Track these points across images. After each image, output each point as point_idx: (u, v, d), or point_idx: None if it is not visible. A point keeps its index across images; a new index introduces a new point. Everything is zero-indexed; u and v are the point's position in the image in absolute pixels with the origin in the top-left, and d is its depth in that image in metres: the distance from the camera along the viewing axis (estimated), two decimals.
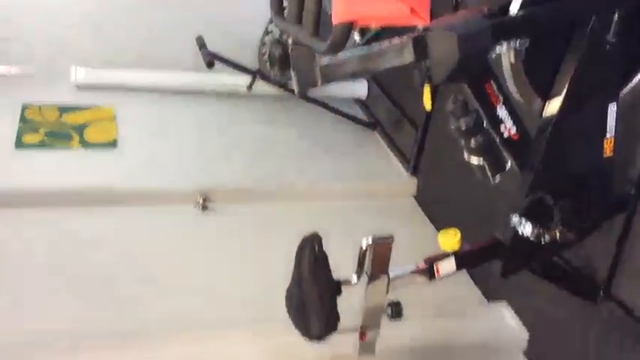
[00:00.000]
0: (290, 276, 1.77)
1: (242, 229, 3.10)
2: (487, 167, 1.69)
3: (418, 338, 2.43)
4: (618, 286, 2.09)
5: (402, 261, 1.85)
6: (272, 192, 3.37)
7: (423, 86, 1.58)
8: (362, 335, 1.86)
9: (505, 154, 1.70)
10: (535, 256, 1.96)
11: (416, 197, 3.59)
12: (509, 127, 1.68)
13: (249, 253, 2.91)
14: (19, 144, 3.33)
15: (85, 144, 3.43)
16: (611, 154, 1.80)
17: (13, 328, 2.30)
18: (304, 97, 3.82)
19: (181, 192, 3.20)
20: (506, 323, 2.62)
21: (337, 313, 1.75)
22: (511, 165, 1.73)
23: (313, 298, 1.67)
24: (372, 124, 4.06)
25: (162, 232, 2.99)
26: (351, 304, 1.84)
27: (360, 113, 4.17)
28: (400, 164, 3.73)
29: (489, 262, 1.92)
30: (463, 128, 1.65)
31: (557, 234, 1.74)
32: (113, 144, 3.46)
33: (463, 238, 1.86)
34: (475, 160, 1.69)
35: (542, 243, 1.74)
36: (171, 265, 2.76)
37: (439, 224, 3.17)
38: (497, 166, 1.70)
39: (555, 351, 2.42)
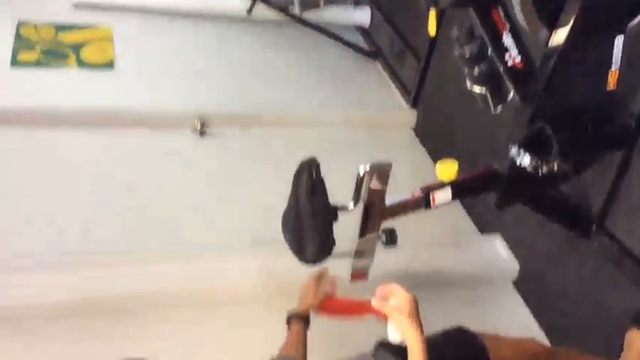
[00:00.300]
0: (287, 201, 1.78)
1: (240, 155, 3.10)
2: (489, 97, 1.68)
3: (411, 265, 2.47)
4: (612, 222, 2.11)
5: (398, 191, 1.86)
6: (270, 117, 3.35)
7: (428, 10, 1.55)
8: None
9: (508, 83, 1.67)
10: (531, 188, 1.97)
11: (414, 129, 3.58)
12: (513, 56, 1.66)
13: (246, 179, 2.92)
14: (15, 62, 3.28)
15: (81, 64, 3.38)
16: (615, 87, 1.78)
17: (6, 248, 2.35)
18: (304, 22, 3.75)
19: (179, 116, 3.18)
20: (498, 254, 2.66)
21: (333, 238, 1.77)
22: (513, 95, 1.71)
23: (309, 222, 1.68)
24: (374, 54, 3.99)
25: (159, 156, 2.99)
26: (347, 230, 1.87)
27: (361, 42, 4.09)
28: (400, 95, 3.69)
29: (485, 192, 1.93)
30: (467, 55, 1.63)
31: (555, 166, 1.73)
32: (110, 65, 3.41)
33: (460, 170, 1.87)
34: (477, 89, 1.67)
35: (540, 174, 1.74)
36: (168, 189, 2.78)
37: (437, 157, 3.15)
38: (499, 95, 1.69)
39: (544, 283, 2.47)
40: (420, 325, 1.29)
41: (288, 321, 1.78)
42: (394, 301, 1.30)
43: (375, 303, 1.34)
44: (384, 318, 1.40)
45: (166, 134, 3.10)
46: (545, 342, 2.38)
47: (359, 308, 1.78)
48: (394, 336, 1.33)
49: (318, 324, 1.84)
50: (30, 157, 2.85)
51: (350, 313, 1.81)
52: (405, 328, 1.27)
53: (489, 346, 1.70)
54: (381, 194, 1.79)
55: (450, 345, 1.63)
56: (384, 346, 1.73)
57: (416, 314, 1.29)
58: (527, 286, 2.57)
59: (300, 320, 1.77)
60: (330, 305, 1.82)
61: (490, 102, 1.70)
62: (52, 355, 2.01)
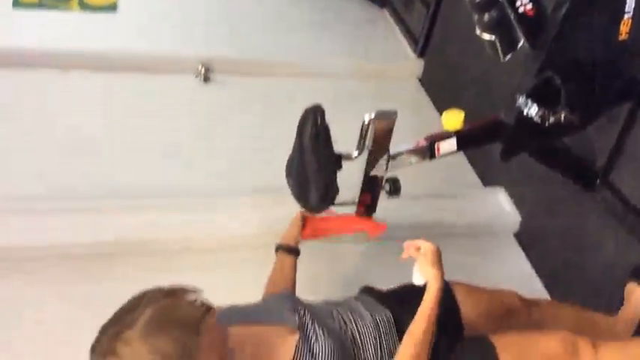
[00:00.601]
0: (291, 148, 1.77)
1: (244, 102, 3.07)
2: (499, 44, 1.64)
3: (414, 215, 2.47)
4: (617, 176, 2.10)
5: (402, 142, 1.85)
6: (275, 66, 3.30)
7: None
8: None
9: (518, 31, 1.64)
10: (537, 139, 1.95)
11: (421, 80, 3.54)
12: (525, 3, 1.61)
13: (249, 126, 2.90)
14: (17, 3, 3.23)
15: (84, 6, 3.32)
16: (626, 36, 1.74)
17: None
18: None
19: (182, 60, 3.14)
20: (500, 207, 2.67)
21: (336, 186, 1.77)
22: (523, 43, 1.68)
23: (313, 168, 1.67)
24: (381, 1, 3.91)
25: (160, 101, 2.97)
26: (350, 179, 1.86)
27: None
28: (407, 45, 3.64)
29: (490, 143, 1.91)
30: (477, 1, 1.58)
31: (562, 117, 1.71)
32: (113, 7, 3.36)
33: (466, 121, 1.85)
34: (487, 37, 1.64)
35: (546, 125, 1.72)
36: (169, 135, 2.77)
37: (442, 108, 3.13)
38: (509, 43, 1.65)
39: (546, 236, 2.48)
40: (441, 268, 1.51)
41: (276, 252, 1.87)
42: (422, 249, 1.53)
43: (405, 252, 1.56)
44: (368, 230, 1.78)
45: (169, 79, 3.07)
46: (545, 294, 2.40)
47: (345, 222, 1.84)
48: (418, 279, 1.52)
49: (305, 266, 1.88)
50: (30, 100, 2.83)
51: (335, 230, 1.84)
52: (427, 269, 1.49)
53: (460, 299, 1.75)
54: (385, 143, 1.78)
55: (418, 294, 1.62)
56: (367, 290, 1.77)
57: (438, 260, 1.52)
58: (529, 238, 2.58)
59: (285, 251, 1.84)
60: (313, 224, 1.86)
61: (499, 50, 1.67)
62: (51, 293, 2.03)
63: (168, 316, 1.17)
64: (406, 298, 1.61)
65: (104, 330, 1.18)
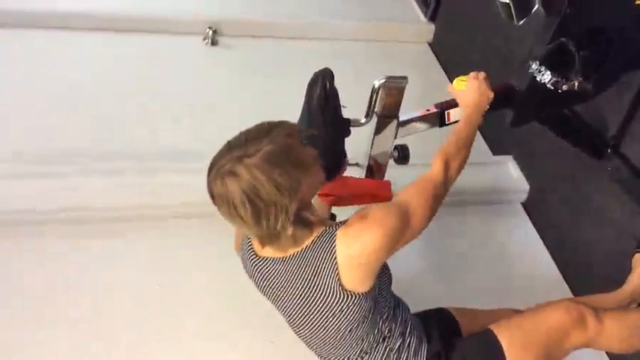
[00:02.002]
0: (299, 112, 1.75)
1: (251, 66, 3.05)
2: (513, 7, 1.60)
3: None
4: (627, 145, 2.07)
5: (412, 109, 1.82)
6: (284, 27, 3.26)
7: None
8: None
9: None
10: (548, 106, 1.92)
11: (431, 44, 3.49)
12: None
13: (257, 90, 2.88)
14: None
15: None
16: None
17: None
18: None
19: (190, 22, 3.10)
20: (509, 175, 2.66)
21: (344, 151, 1.75)
22: (537, 7, 1.64)
23: (321, 133, 1.65)
24: None
25: (168, 64, 2.95)
26: (360, 145, 1.84)
27: None
28: (418, 8, 3.58)
29: (501, 109, 1.88)
30: None
31: (576, 84, 1.68)
32: None
33: None
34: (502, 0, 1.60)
35: (559, 92, 1.69)
36: (176, 99, 2.75)
37: (453, 74, 3.09)
38: (523, 7, 1.61)
39: (554, 205, 2.47)
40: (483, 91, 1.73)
41: None
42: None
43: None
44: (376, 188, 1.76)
45: (177, 41, 3.05)
46: (552, 264, 2.40)
47: (355, 183, 1.80)
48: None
49: None
50: (38, 61, 2.83)
51: (346, 189, 1.78)
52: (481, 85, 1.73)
53: (461, 321, 1.78)
54: (395, 109, 1.76)
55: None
56: None
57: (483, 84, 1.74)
58: (537, 208, 2.57)
59: None
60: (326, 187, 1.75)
61: (514, 14, 1.63)
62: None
63: (287, 153, 1.34)
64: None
65: (226, 152, 1.34)
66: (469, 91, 1.75)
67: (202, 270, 2.07)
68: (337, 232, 1.39)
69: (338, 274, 1.38)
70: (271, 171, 1.30)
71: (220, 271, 1.82)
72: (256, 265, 1.53)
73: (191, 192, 2.21)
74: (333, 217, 1.84)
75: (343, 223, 1.42)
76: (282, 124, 1.39)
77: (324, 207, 1.81)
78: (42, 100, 2.62)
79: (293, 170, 1.33)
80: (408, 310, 1.67)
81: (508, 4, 1.59)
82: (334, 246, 1.37)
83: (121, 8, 3.08)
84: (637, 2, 1.69)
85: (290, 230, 1.37)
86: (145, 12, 3.09)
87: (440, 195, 1.55)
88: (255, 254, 1.53)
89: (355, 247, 1.36)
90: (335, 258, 1.37)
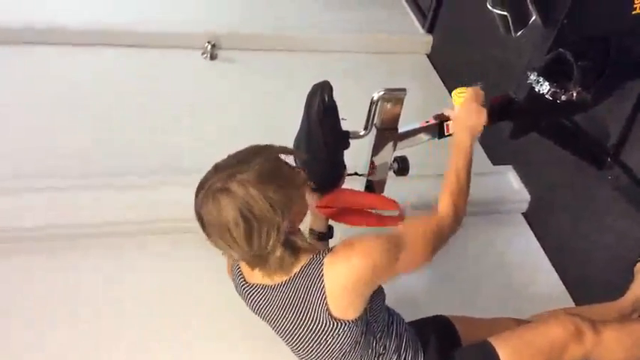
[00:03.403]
0: (299, 125, 1.75)
1: (251, 80, 3.06)
2: (510, 19, 1.61)
3: (422, 195, 2.45)
4: (628, 153, 2.07)
5: (411, 120, 1.82)
6: (282, 40, 3.28)
7: None
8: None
9: (530, 5, 1.60)
10: (547, 117, 1.93)
11: (429, 56, 3.50)
12: None
13: (256, 104, 2.88)
14: None
15: None
16: None
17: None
18: None
19: (189, 37, 3.12)
20: (509, 186, 2.65)
21: (343, 163, 1.75)
22: (535, 19, 1.64)
23: (320, 145, 1.65)
24: None
25: (167, 78, 2.95)
26: (359, 157, 1.84)
27: None
28: (416, 20, 3.59)
29: (500, 121, 1.88)
30: None
31: (575, 94, 1.68)
32: None
33: None
34: (498, 11, 1.60)
35: (558, 103, 1.69)
36: (175, 113, 2.75)
37: (451, 85, 3.11)
38: (520, 18, 1.62)
39: (554, 215, 2.46)
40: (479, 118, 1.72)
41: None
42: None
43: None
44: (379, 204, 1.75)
45: (176, 56, 3.06)
46: (553, 274, 2.39)
47: (356, 196, 1.78)
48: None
49: None
50: (35, 76, 2.83)
51: (347, 202, 1.76)
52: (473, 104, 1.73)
53: (460, 329, 1.78)
54: (394, 121, 1.76)
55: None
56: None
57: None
58: (537, 217, 2.56)
59: (310, 234, 1.82)
60: (325, 200, 1.74)
61: (511, 26, 1.63)
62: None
63: (280, 170, 1.37)
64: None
65: (215, 172, 1.34)
66: (461, 112, 1.74)
67: (203, 271, 2.06)
68: (324, 260, 1.38)
69: (326, 303, 1.38)
70: (265, 187, 1.30)
71: (220, 272, 1.80)
72: (247, 291, 1.54)
73: (189, 206, 2.24)
74: (330, 229, 1.84)
75: (331, 249, 1.42)
76: (272, 147, 1.42)
77: (321, 220, 1.81)
78: (39, 116, 2.62)
79: (285, 188, 1.34)
80: (403, 321, 1.67)
81: (505, 16, 1.60)
82: (322, 275, 1.37)
83: (119, 23, 3.09)
84: (634, 12, 1.69)
85: (279, 252, 1.36)
86: (143, 26, 3.10)
87: (445, 232, 1.56)
88: (245, 281, 1.54)
89: (342, 277, 1.36)
90: (323, 287, 1.37)
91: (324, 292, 1.37)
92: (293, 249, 1.40)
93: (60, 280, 2.02)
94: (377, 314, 1.54)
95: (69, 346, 1.86)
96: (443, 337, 1.71)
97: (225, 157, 1.40)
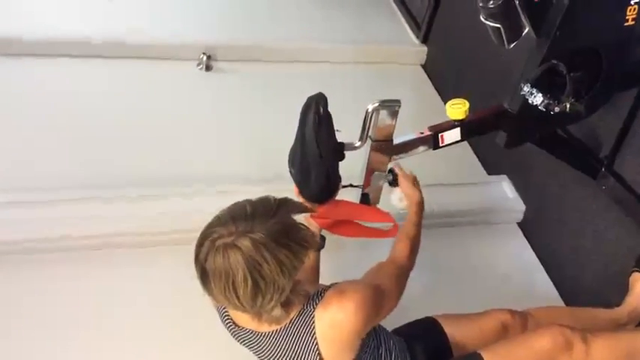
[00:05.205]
0: (294, 137, 1.75)
1: (246, 91, 3.06)
2: (503, 31, 1.62)
3: None
4: (621, 163, 2.08)
5: (405, 131, 1.83)
6: (278, 51, 3.29)
7: None
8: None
9: (523, 17, 1.61)
10: (541, 128, 1.94)
11: (424, 66, 3.51)
12: None
13: (252, 115, 2.89)
14: None
15: None
16: (633, 22, 1.72)
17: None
18: None
19: (184, 48, 3.12)
20: (504, 195, 2.66)
21: (338, 176, 1.75)
22: (528, 31, 1.65)
23: (315, 158, 1.65)
24: None
25: (163, 90, 2.95)
26: (354, 169, 1.85)
27: None
28: (411, 31, 3.61)
29: (494, 131, 1.89)
30: None
31: (568, 106, 1.69)
32: None
33: (471, 110, 1.83)
34: (492, 23, 1.61)
35: (551, 114, 1.70)
36: (170, 125, 2.75)
37: (446, 96, 3.12)
38: (513, 30, 1.63)
39: (549, 225, 2.47)
40: (419, 190, 1.85)
41: None
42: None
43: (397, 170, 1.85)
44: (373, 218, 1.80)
45: (171, 68, 3.06)
46: (549, 284, 2.39)
47: (351, 208, 1.80)
48: (396, 202, 1.85)
49: None
50: (30, 89, 2.83)
51: (342, 214, 1.78)
52: (409, 188, 1.82)
53: (451, 330, 1.80)
54: (389, 132, 1.76)
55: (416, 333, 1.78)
56: None
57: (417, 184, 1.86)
58: (533, 227, 2.57)
59: None
60: (321, 211, 1.75)
61: (504, 37, 1.64)
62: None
63: (295, 233, 1.32)
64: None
65: (231, 221, 1.28)
66: (410, 191, 1.83)
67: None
68: (315, 312, 1.39)
69: (319, 353, 1.40)
70: (278, 250, 1.27)
71: None
72: (235, 332, 1.53)
73: (181, 216, 2.24)
74: (322, 239, 1.84)
75: (321, 296, 1.42)
76: (288, 203, 1.38)
77: (315, 229, 1.82)
78: (30, 127, 2.61)
79: (297, 251, 1.30)
80: (389, 337, 1.68)
81: (499, 27, 1.61)
82: (313, 328, 1.38)
83: (114, 34, 3.09)
84: (626, 24, 1.70)
85: (276, 311, 1.36)
86: (138, 38, 3.10)
87: (408, 275, 1.65)
88: (233, 323, 1.52)
89: (334, 329, 1.37)
90: (315, 339, 1.38)
91: (316, 344, 1.39)
92: (288, 305, 1.39)
93: (52, 293, 2.01)
94: (364, 346, 1.54)
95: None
96: (432, 349, 1.72)
97: (240, 202, 1.35)
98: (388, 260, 1.66)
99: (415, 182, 1.86)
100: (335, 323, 1.36)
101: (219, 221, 1.30)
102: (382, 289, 1.46)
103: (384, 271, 1.59)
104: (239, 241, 1.24)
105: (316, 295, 1.43)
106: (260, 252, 1.24)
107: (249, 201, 1.35)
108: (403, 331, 1.79)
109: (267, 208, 1.32)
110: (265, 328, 1.44)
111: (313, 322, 1.38)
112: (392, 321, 1.69)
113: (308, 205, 1.76)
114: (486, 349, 1.61)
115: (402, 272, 1.62)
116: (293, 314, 1.41)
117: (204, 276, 1.29)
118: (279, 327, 1.42)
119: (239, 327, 1.50)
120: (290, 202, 1.38)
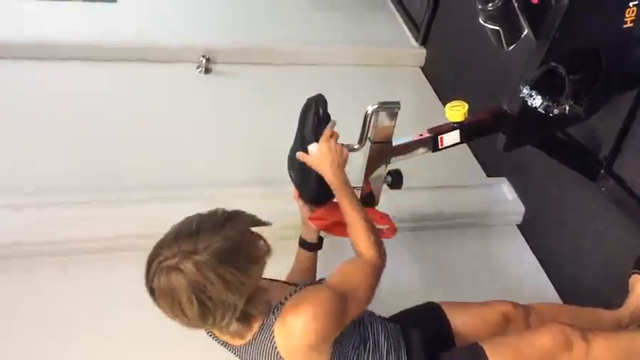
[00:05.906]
0: (293, 138, 1.76)
1: (245, 94, 3.06)
2: (502, 34, 1.62)
3: (417, 207, 2.46)
4: (620, 165, 2.08)
5: (405, 133, 1.83)
6: (277, 53, 3.29)
7: None
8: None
9: (522, 20, 1.61)
10: (540, 130, 1.94)
11: (423, 69, 3.52)
12: None
13: (251, 117, 2.89)
14: None
15: None
16: (632, 25, 1.72)
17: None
18: None
19: (184, 51, 3.13)
20: (504, 197, 2.66)
21: None
22: (527, 33, 1.66)
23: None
24: None
25: (162, 93, 2.96)
26: (353, 170, 1.85)
27: None
28: (410, 33, 3.61)
29: (493, 134, 1.90)
30: None
31: (567, 108, 1.69)
32: None
33: (470, 112, 1.83)
34: (491, 26, 1.61)
35: (550, 116, 1.71)
36: (169, 127, 2.76)
37: (445, 98, 3.12)
38: (512, 33, 1.63)
39: (549, 226, 2.47)
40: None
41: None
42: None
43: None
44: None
45: (170, 70, 3.06)
46: (549, 286, 2.39)
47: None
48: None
49: None
50: (31, 91, 2.83)
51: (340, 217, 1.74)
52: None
53: (453, 317, 1.78)
54: (388, 134, 1.76)
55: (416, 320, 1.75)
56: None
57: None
58: (532, 229, 2.57)
59: (299, 245, 1.85)
60: (318, 213, 1.78)
61: (503, 40, 1.65)
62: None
63: (239, 250, 1.28)
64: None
65: (172, 242, 1.25)
66: (316, 157, 1.63)
67: None
68: (274, 327, 1.37)
69: None
70: (223, 269, 1.23)
71: None
72: (218, 342, 1.54)
73: (181, 218, 2.22)
74: (320, 240, 1.85)
75: (282, 307, 1.40)
76: (237, 217, 1.33)
77: (313, 231, 1.82)
78: (30, 129, 2.62)
79: (244, 267, 1.27)
80: (382, 327, 1.65)
81: (498, 30, 1.61)
82: (274, 342, 1.37)
83: (113, 37, 3.10)
84: (625, 26, 1.71)
85: (233, 326, 1.34)
86: (137, 40, 3.11)
87: (379, 272, 1.55)
88: (213, 334, 1.53)
89: (293, 341, 1.35)
90: (278, 352, 1.37)
91: (280, 357, 1.37)
92: (247, 319, 1.37)
93: (51, 296, 2.01)
94: (347, 344, 1.53)
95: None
96: (433, 329, 1.71)
97: (186, 219, 1.32)
98: (367, 260, 1.57)
99: (335, 139, 1.64)
100: (292, 336, 1.34)
101: (164, 241, 1.28)
102: (345, 294, 1.41)
103: (354, 273, 1.52)
104: (182, 264, 1.22)
105: (276, 307, 1.40)
106: (203, 273, 1.21)
107: (198, 215, 1.32)
108: (403, 316, 1.77)
109: (214, 223, 1.29)
110: (237, 342, 1.44)
111: (274, 339, 1.37)
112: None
113: (306, 208, 1.77)
114: (488, 341, 1.61)
115: (371, 271, 1.53)
116: (256, 328, 1.40)
117: (153, 296, 1.27)
118: (245, 341, 1.42)
119: (219, 339, 1.52)
120: (239, 216, 1.34)
